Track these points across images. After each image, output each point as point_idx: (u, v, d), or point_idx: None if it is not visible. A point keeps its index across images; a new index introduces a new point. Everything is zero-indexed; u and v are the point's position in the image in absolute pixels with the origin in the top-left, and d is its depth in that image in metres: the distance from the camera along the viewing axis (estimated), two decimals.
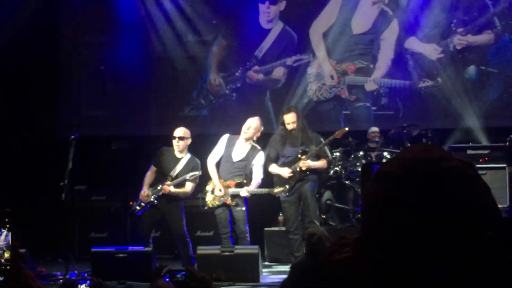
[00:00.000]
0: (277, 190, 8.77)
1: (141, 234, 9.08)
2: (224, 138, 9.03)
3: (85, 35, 12.18)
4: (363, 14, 11.72)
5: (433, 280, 1.09)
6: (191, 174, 8.80)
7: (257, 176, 8.87)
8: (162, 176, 8.99)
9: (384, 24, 11.63)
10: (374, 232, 1.14)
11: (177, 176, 8.87)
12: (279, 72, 11.88)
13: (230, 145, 8.95)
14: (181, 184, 8.87)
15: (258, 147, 8.98)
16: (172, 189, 8.79)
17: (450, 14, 11.50)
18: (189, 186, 8.89)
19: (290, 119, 8.96)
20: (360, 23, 11.72)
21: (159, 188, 8.88)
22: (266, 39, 11.93)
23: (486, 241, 1.09)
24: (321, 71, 11.77)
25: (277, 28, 11.95)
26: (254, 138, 8.95)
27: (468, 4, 11.49)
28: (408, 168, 1.14)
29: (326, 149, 9.13)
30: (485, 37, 11.41)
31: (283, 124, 9.05)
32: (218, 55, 12.03)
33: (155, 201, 8.89)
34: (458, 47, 11.38)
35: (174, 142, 8.95)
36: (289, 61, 11.85)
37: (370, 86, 11.65)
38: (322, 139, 9.08)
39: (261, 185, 8.87)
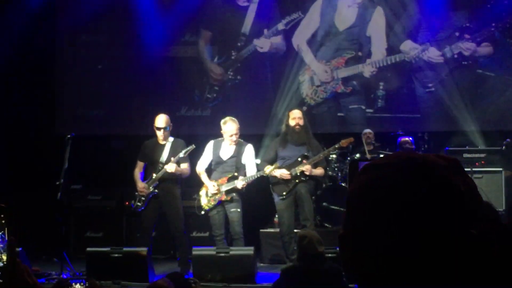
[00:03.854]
0: (268, 170, 8.72)
1: (141, 232, 9.08)
2: (210, 144, 9.05)
3: (82, 34, 12.17)
4: (346, 10, 11.76)
5: (416, 270, 1.09)
6: (185, 150, 8.82)
7: (251, 169, 8.87)
8: (151, 167, 9.05)
9: (369, 12, 11.65)
10: (357, 225, 1.14)
11: (167, 161, 8.88)
12: (276, 40, 11.89)
13: (216, 148, 8.97)
14: (176, 164, 8.89)
15: (245, 142, 8.99)
16: (176, 168, 8.78)
17: (452, 21, 11.49)
18: (185, 165, 8.96)
19: (296, 114, 9.01)
20: (344, 18, 11.76)
21: (154, 177, 8.90)
22: (247, 14, 11.94)
23: (469, 237, 1.09)
24: (313, 74, 11.78)
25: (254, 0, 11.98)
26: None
27: (472, 14, 11.47)
28: (394, 160, 1.16)
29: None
30: (485, 49, 11.41)
31: (287, 122, 9.06)
32: (206, 47, 12.05)
33: (155, 190, 8.91)
34: (466, 53, 11.34)
35: (159, 132, 9.01)
36: (281, 25, 11.86)
37: (367, 70, 11.62)
38: (322, 148, 9.13)
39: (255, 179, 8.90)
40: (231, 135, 8.81)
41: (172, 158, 8.81)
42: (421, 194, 1.11)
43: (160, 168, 8.89)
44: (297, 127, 8.93)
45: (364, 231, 1.13)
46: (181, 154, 8.81)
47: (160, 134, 9.00)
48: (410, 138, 10.41)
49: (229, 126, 8.84)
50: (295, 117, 8.98)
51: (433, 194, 1.11)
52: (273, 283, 6.05)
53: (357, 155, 10.48)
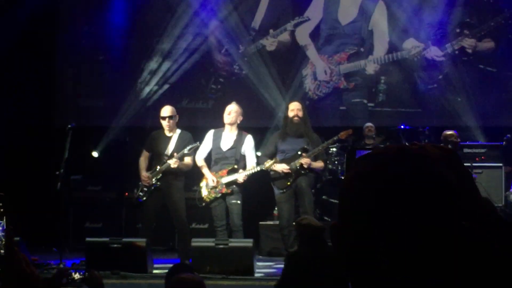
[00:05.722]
0: (268, 164, 8.72)
1: (143, 223, 9.07)
2: (210, 133, 9.04)
3: (84, 25, 12.14)
4: (349, 4, 11.72)
5: (408, 264, 1.06)
6: (189, 147, 8.81)
7: (251, 160, 8.87)
8: (157, 158, 9.02)
9: (371, 6, 11.62)
10: (351, 217, 1.12)
11: (172, 154, 8.86)
12: (283, 37, 11.86)
13: (217, 138, 8.95)
14: (180, 159, 8.86)
15: (245, 132, 8.98)
16: (179, 163, 8.75)
17: (452, 17, 11.46)
18: (188, 159, 8.91)
19: (295, 106, 9.00)
20: (347, 13, 11.73)
21: (157, 170, 8.87)
22: (259, 7, 11.90)
23: (463, 228, 1.06)
24: (315, 69, 11.75)
25: None
26: (238, 122, 8.93)
27: (473, 9, 11.45)
28: (385, 152, 1.14)
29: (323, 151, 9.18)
30: (486, 45, 11.41)
31: (286, 114, 9.06)
32: (214, 37, 11.99)
33: (158, 182, 8.88)
34: (467, 49, 11.34)
35: (164, 122, 8.98)
36: (289, 26, 11.83)
37: (370, 68, 11.60)
38: (321, 141, 9.11)
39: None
40: (229, 113, 8.85)
41: (175, 154, 8.78)
42: (409, 189, 1.08)
43: (164, 160, 8.86)
44: (296, 118, 8.92)
45: (352, 224, 1.12)
46: (185, 151, 8.79)
47: (165, 124, 8.95)
48: (455, 131, 10.02)
49: (230, 106, 8.92)
50: (294, 109, 8.98)
51: (421, 189, 1.08)
52: (282, 270, 6.09)
53: None
